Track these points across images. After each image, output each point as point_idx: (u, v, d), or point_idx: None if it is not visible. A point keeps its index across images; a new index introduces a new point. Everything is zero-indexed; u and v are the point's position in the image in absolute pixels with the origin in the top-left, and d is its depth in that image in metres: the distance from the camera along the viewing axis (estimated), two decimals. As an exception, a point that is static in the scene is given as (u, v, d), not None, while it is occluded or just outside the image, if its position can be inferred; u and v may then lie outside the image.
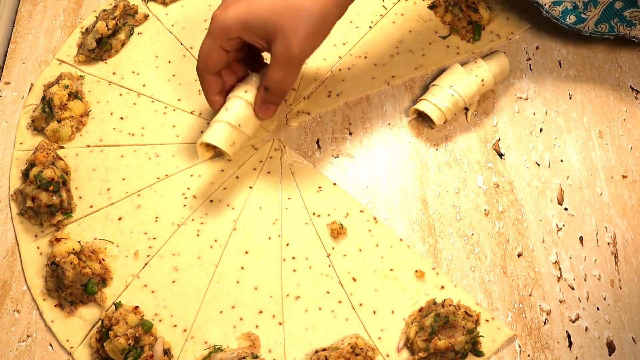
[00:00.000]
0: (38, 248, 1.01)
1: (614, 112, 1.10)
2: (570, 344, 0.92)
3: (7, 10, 1.25)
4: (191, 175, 1.07)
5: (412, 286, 0.96)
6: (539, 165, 1.06)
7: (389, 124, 1.11)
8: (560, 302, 0.95)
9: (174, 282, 0.98)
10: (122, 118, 1.12)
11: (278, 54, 0.89)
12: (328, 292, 0.96)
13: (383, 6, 1.21)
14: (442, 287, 0.96)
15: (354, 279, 0.97)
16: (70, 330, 0.95)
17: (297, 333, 0.94)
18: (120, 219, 1.03)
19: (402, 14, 1.20)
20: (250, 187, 1.06)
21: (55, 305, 0.96)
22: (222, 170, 1.07)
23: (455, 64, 1.09)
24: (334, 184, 1.05)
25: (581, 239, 1.00)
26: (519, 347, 0.92)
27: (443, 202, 1.03)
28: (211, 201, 1.04)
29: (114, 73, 1.17)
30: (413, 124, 1.10)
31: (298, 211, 1.03)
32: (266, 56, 0.96)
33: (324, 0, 0.87)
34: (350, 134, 1.10)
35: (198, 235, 1.02)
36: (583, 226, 1.00)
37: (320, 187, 1.05)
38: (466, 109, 1.09)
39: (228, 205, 1.04)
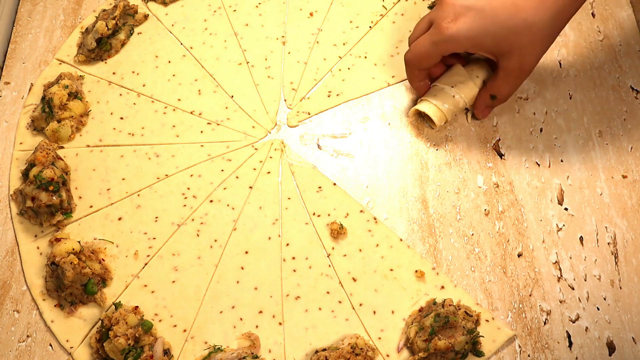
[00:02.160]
0: (38, 248, 1.01)
1: (614, 112, 1.10)
2: (571, 344, 0.92)
3: (7, 10, 1.25)
4: (191, 175, 1.07)
5: (412, 286, 0.96)
6: (539, 165, 1.06)
7: (389, 124, 1.11)
8: (561, 302, 0.95)
9: (174, 282, 0.98)
10: (122, 118, 1.12)
11: (510, 69, 0.92)
12: (328, 292, 0.96)
13: (383, 6, 1.21)
14: (442, 287, 0.96)
15: (354, 279, 0.97)
16: (70, 330, 0.95)
17: (297, 333, 0.94)
18: (120, 219, 1.03)
19: (402, 14, 1.20)
20: (250, 187, 1.05)
21: (55, 305, 0.96)
22: (222, 170, 1.07)
23: (456, 64, 1.08)
24: (334, 184, 1.05)
25: (581, 239, 1.00)
26: (519, 347, 0.92)
27: (443, 202, 1.03)
28: (211, 201, 1.04)
29: (114, 73, 1.17)
30: (413, 123, 1.10)
31: (298, 211, 1.03)
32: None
33: (556, 16, 0.87)
34: (350, 134, 1.10)
35: (198, 235, 1.02)
36: (583, 226, 1.00)
37: (320, 187, 1.05)
38: (467, 110, 1.09)
39: (228, 205, 1.04)
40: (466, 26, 0.89)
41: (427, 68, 1.01)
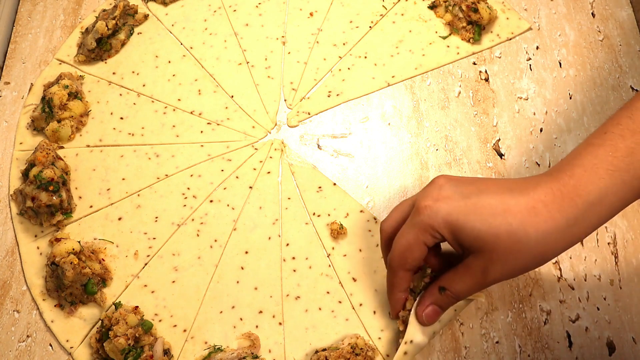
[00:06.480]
0: (38, 248, 1.01)
1: (614, 112, 1.10)
2: (571, 344, 0.92)
3: (7, 10, 1.25)
4: (191, 175, 1.07)
5: (412, 286, 0.96)
6: (539, 165, 1.06)
7: (389, 124, 1.11)
8: (561, 302, 0.95)
9: (174, 282, 0.98)
10: (122, 118, 1.12)
11: (472, 268, 0.77)
12: (328, 292, 0.96)
13: (383, 6, 1.21)
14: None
15: (354, 279, 0.97)
16: (70, 330, 0.95)
17: (297, 333, 0.94)
18: (120, 219, 1.03)
19: (402, 14, 1.20)
20: (250, 187, 1.06)
21: (55, 305, 0.96)
22: (222, 170, 1.07)
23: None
24: (334, 184, 1.05)
25: (581, 239, 1.00)
26: (519, 347, 0.92)
27: (443, 202, 1.03)
28: (211, 201, 1.04)
29: (113, 73, 1.17)
30: (413, 124, 1.10)
31: (298, 211, 1.03)
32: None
33: (553, 242, 0.74)
34: (350, 134, 1.10)
35: (198, 235, 1.02)
36: (583, 226, 1.00)
37: (320, 187, 1.05)
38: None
39: (228, 205, 1.04)
40: (447, 208, 0.76)
41: (412, 267, 0.82)
